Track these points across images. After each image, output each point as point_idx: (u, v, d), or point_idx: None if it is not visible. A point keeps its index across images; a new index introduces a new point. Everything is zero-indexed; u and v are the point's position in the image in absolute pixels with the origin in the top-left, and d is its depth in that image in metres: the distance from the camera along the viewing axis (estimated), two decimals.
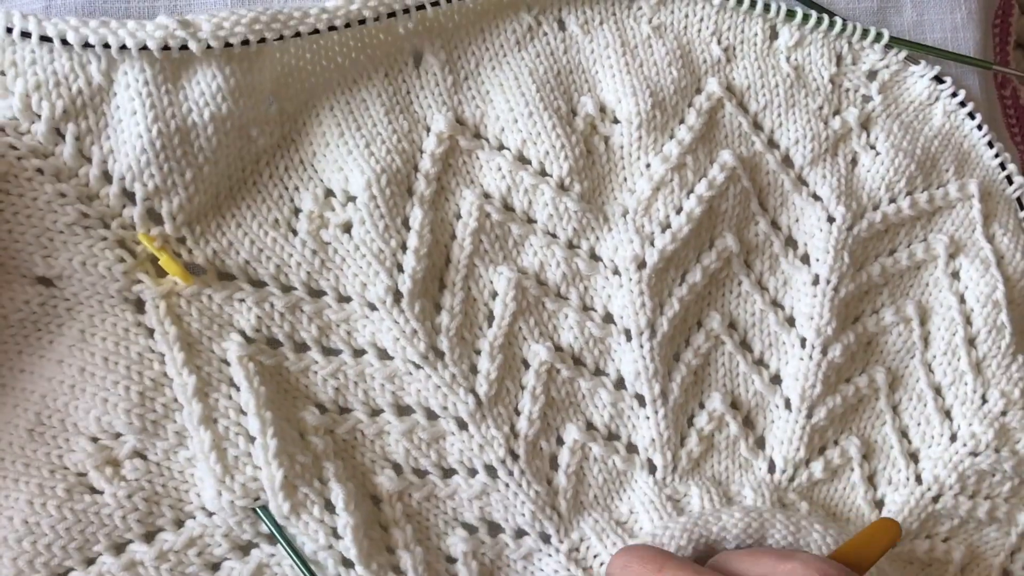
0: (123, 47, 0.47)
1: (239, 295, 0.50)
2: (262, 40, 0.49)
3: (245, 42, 0.49)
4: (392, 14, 0.52)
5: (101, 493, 0.48)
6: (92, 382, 0.48)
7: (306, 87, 0.52)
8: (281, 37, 0.50)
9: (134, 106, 0.48)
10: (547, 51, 0.56)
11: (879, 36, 0.60)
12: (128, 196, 0.49)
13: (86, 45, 0.47)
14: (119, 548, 0.49)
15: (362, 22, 0.52)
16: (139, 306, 0.50)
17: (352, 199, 0.52)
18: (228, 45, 0.49)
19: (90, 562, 0.48)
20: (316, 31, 0.51)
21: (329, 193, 0.52)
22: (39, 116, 0.47)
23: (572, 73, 0.56)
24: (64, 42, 0.47)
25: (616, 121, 0.56)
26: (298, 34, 0.50)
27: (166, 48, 0.48)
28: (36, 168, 0.48)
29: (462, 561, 0.53)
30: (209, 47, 0.48)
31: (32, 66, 0.47)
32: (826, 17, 0.59)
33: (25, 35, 0.47)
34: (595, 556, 0.53)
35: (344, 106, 0.53)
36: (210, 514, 0.49)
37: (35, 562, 0.47)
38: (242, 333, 0.50)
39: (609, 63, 0.56)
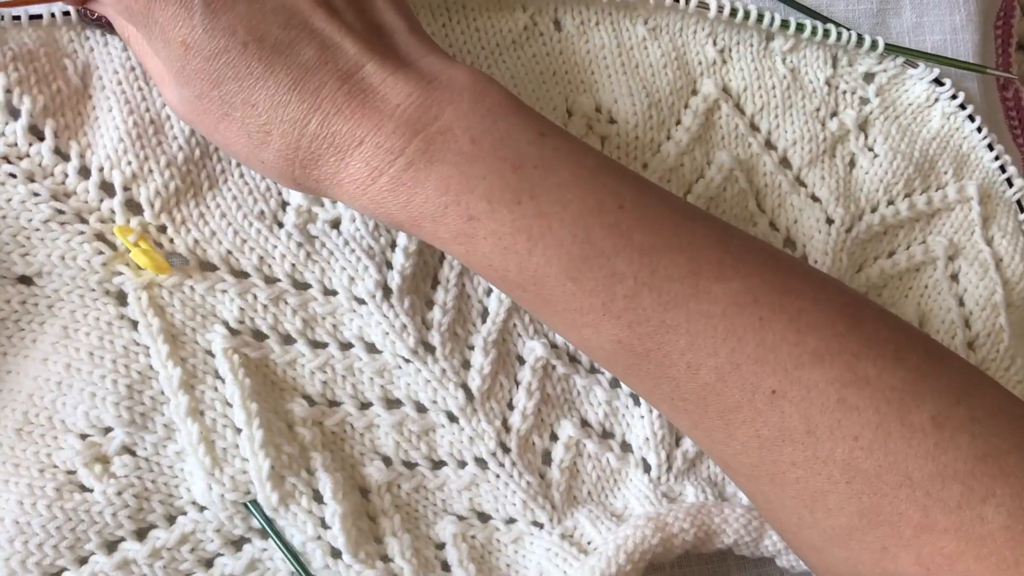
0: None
1: (221, 286, 0.50)
2: None
3: None
4: None
5: (91, 491, 0.48)
6: (79, 378, 0.49)
7: None
8: None
9: (110, 103, 0.50)
10: (543, 51, 0.56)
11: (874, 45, 0.59)
12: (106, 189, 0.50)
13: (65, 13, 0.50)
14: (111, 546, 0.49)
15: None
16: (121, 298, 0.50)
17: None
18: None
19: (83, 561, 0.48)
20: None
21: None
22: (17, 114, 0.49)
23: (568, 73, 0.56)
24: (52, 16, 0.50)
25: (612, 121, 0.56)
26: None
27: None
28: (8, 173, 0.49)
29: (451, 543, 0.53)
30: None
31: (14, 61, 0.48)
32: (820, 28, 0.58)
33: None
34: (589, 542, 0.53)
35: None
36: (201, 509, 0.49)
37: (27, 562, 0.47)
38: (226, 324, 0.50)
39: (605, 64, 0.56)
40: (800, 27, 0.58)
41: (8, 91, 0.48)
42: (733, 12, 0.57)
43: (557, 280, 0.42)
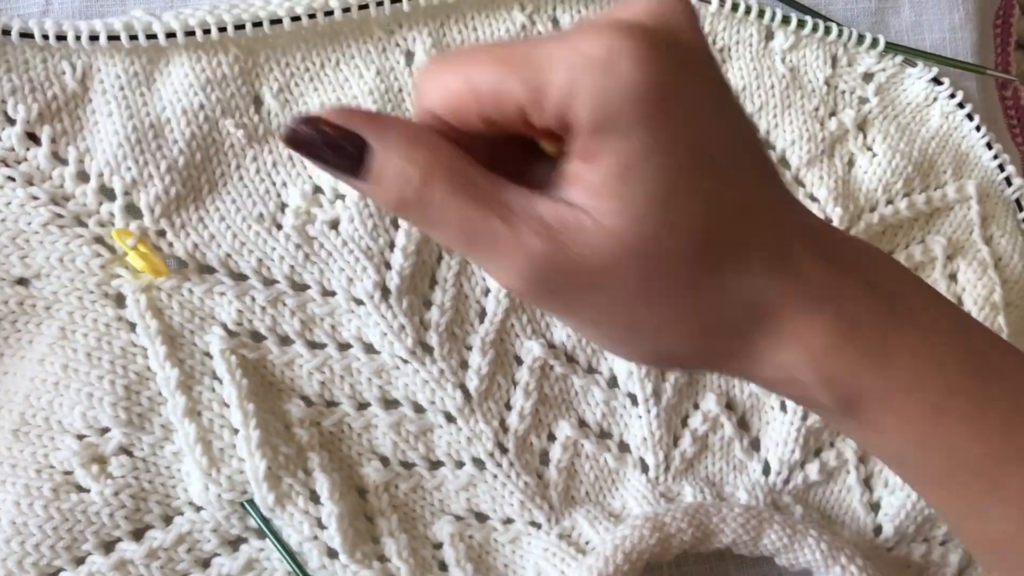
0: (93, 37, 0.49)
1: (219, 288, 0.50)
2: (223, 29, 0.50)
3: (207, 31, 0.50)
4: (364, 6, 0.52)
5: (88, 491, 0.48)
6: (76, 378, 0.49)
7: (296, 83, 0.53)
8: (241, 26, 0.50)
9: (110, 108, 0.50)
10: None
11: (875, 43, 0.59)
12: (105, 193, 0.50)
13: (60, 38, 0.49)
14: (108, 547, 0.49)
15: (328, 13, 0.52)
16: (120, 301, 0.50)
17: (341, 196, 0.52)
18: (190, 34, 0.50)
19: (80, 561, 0.48)
20: (278, 20, 0.51)
21: (317, 190, 0.52)
22: (13, 121, 0.49)
23: None
24: (44, 37, 0.49)
25: None
26: (259, 23, 0.51)
27: (133, 38, 0.49)
28: (7, 176, 0.49)
29: (448, 543, 0.53)
30: (171, 34, 0.49)
31: (8, 73, 0.49)
32: (821, 24, 0.58)
33: (5, 32, 0.49)
34: (587, 542, 0.53)
35: (335, 103, 0.53)
36: (198, 509, 0.49)
37: (24, 563, 0.47)
38: (224, 326, 0.50)
39: None
40: (801, 23, 0.58)
41: (3, 101, 0.49)
42: (734, 7, 0.57)
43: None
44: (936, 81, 0.61)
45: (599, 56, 0.30)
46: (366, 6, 0.52)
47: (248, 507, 0.49)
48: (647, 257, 0.32)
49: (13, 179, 0.49)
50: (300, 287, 0.52)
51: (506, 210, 0.32)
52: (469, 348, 0.53)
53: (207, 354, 0.50)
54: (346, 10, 0.52)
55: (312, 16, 0.51)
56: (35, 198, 0.49)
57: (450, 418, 0.53)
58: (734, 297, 0.33)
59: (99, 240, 0.50)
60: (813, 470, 0.57)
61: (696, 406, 0.57)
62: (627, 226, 0.31)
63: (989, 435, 0.35)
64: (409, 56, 0.54)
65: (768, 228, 0.34)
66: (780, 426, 0.57)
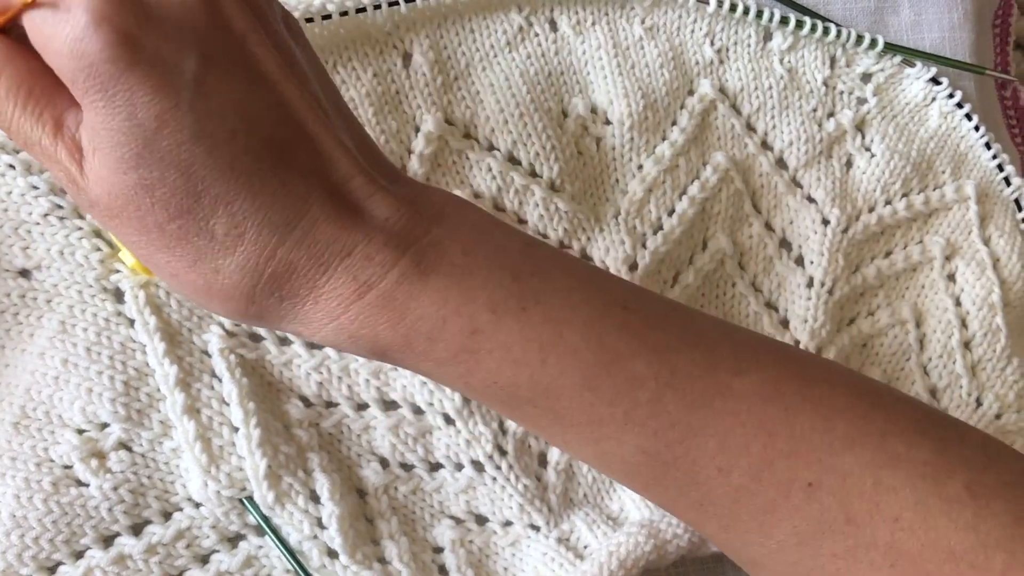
0: None
1: None
2: None
3: None
4: (362, 9, 0.52)
5: (87, 486, 0.49)
6: (76, 373, 0.49)
7: None
8: None
9: None
10: (538, 52, 0.56)
11: (874, 43, 0.59)
12: None
13: None
14: (107, 541, 0.49)
15: (326, 17, 0.52)
16: (119, 296, 0.50)
17: None
18: None
19: (79, 555, 0.49)
20: None
21: None
22: None
23: (563, 74, 0.56)
24: None
25: (608, 122, 0.56)
26: None
27: None
28: (8, 164, 0.49)
29: (449, 549, 0.53)
30: None
31: None
32: (820, 25, 0.58)
33: None
34: (585, 547, 0.53)
35: None
36: (197, 505, 0.50)
37: (23, 555, 0.48)
38: (221, 325, 0.51)
39: (601, 64, 0.56)
40: (800, 24, 0.58)
41: None
42: (732, 7, 0.57)
43: (574, 391, 0.39)
44: (935, 81, 0.61)
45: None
46: (363, 9, 0.52)
47: (247, 503, 0.49)
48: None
49: (13, 167, 0.49)
50: None
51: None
52: None
53: (205, 352, 0.50)
54: (343, 14, 0.52)
55: (309, 20, 0.52)
56: (35, 188, 0.49)
57: (449, 420, 0.53)
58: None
59: (97, 233, 0.50)
60: None
61: None
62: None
63: (528, 361, 0.39)
64: (407, 58, 0.54)
65: None
66: None
